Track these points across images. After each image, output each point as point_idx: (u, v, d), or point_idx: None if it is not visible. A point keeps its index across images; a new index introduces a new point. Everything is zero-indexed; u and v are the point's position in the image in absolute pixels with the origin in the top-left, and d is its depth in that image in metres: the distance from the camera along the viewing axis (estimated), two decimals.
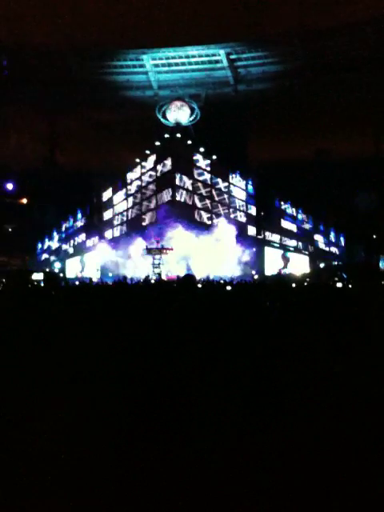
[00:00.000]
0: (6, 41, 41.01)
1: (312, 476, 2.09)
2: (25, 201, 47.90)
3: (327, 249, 68.02)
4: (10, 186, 44.02)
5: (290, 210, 59.75)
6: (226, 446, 2.27)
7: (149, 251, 38.64)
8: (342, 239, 68.94)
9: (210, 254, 39.57)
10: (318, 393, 2.50)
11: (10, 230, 51.80)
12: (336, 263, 53.72)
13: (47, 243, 67.04)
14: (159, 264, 37.96)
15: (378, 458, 2.19)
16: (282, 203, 57.68)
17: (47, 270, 45.11)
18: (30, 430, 2.33)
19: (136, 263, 40.95)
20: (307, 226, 64.05)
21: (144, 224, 46.01)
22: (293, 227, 60.06)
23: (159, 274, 36.23)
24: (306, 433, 2.30)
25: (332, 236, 69.08)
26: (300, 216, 62.03)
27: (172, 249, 38.22)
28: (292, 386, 2.55)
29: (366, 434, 2.32)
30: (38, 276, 28.17)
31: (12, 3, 38.62)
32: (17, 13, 39.38)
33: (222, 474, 2.12)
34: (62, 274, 41.86)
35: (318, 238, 66.61)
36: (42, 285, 22.67)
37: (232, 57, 48.79)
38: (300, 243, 60.53)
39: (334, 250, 68.95)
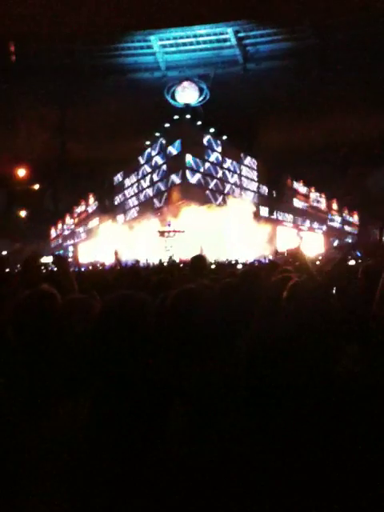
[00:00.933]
0: (11, 29, 40.88)
1: (312, 476, 2.09)
2: (37, 187, 48.15)
3: (341, 228, 67.47)
4: (21, 173, 44.23)
5: (303, 190, 59.28)
6: (226, 446, 2.26)
7: (161, 234, 38.66)
8: (355, 218, 68.31)
9: (222, 235, 39.50)
10: (318, 392, 2.44)
11: (23, 216, 52.15)
12: (349, 241, 53.35)
13: (60, 229, 67.53)
14: (171, 246, 38.00)
15: (378, 458, 2.18)
16: (294, 182, 57.22)
17: (58, 253, 45.41)
18: (29, 429, 2.34)
19: (149, 246, 41.05)
20: (320, 206, 63.55)
21: (156, 207, 46.00)
22: (305, 206, 59.65)
23: (171, 257, 36.27)
24: (307, 432, 2.28)
25: (346, 215, 68.48)
26: (313, 195, 61.50)
27: (183, 231, 38.19)
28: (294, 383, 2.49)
29: (367, 433, 2.29)
30: (47, 259, 28.34)
31: None
32: (23, 1, 39.20)
33: (222, 473, 2.13)
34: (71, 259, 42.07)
35: (332, 217, 66.09)
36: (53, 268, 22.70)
37: (240, 35, 48.14)
38: (314, 223, 60.17)
39: (348, 229, 68.39)
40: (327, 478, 2.10)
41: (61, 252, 52.37)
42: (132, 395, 2.07)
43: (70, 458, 2.17)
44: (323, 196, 63.13)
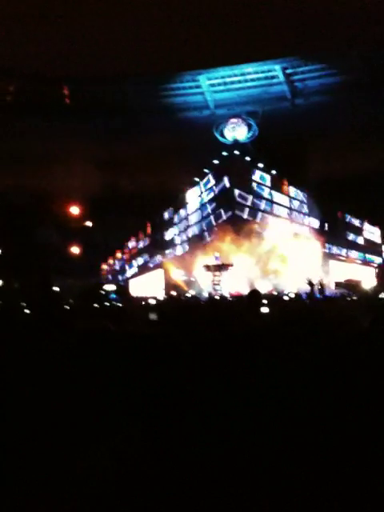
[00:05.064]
0: (63, 69, 43.01)
1: (312, 476, 2.05)
2: (89, 224, 49.50)
3: None
4: (75, 210, 45.71)
5: (355, 222, 58.13)
6: (226, 446, 2.23)
7: (208, 268, 38.65)
8: None
9: (272, 270, 39.12)
10: (319, 391, 2.42)
11: (75, 253, 53.55)
12: None
13: (111, 264, 68.87)
14: (219, 281, 37.88)
15: (378, 458, 2.13)
16: (346, 216, 56.26)
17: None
18: (28, 429, 2.32)
19: (199, 281, 41.13)
20: (375, 238, 62.01)
21: (205, 242, 46.21)
22: (359, 240, 58.36)
23: (217, 291, 36.16)
24: (307, 432, 2.24)
25: None
26: (366, 228, 60.17)
27: (232, 265, 38.08)
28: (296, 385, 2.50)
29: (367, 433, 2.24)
30: (109, 287, 28.89)
31: (64, 34, 40.41)
32: (75, 43, 41.22)
33: (221, 473, 2.09)
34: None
35: None
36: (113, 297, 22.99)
37: (288, 71, 48.72)
38: (367, 255, 58.62)
39: None
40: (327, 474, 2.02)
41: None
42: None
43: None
44: (377, 228, 61.69)
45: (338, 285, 31.32)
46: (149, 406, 2.37)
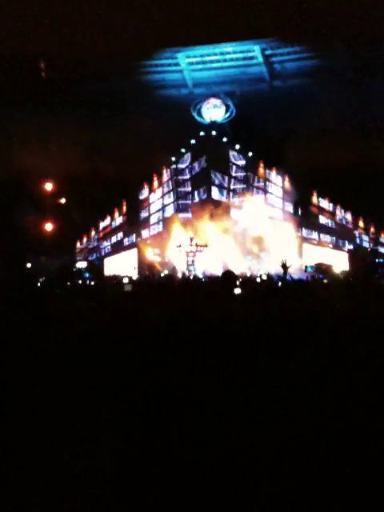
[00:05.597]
0: (38, 46, 41.88)
1: (312, 476, 2.09)
2: (63, 201, 48.76)
3: (368, 246, 66.49)
4: (49, 186, 44.91)
5: (328, 207, 58.77)
6: (226, 446, 2.26)
7: (182, 248, 38.64)
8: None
9: (246, 251, 39.36)
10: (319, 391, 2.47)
11: (49, 230, 52.78)
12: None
13: (85, 243, 68.26)
14: (193, 262, 37.94)
15: (378, 458, 2.18)
16: (320, 200, 56.80)
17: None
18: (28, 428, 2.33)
19: (172, 262, 41.11)
20: (346, 223, 62.86)
21: (180, 222, 46.13)
22: (332, 224, 59.09)
23: (191, 271, 36.24)
24: (307, 432, 2.28)
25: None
26: (338, 213, 60.91)
27: (206, 246, 38.15)
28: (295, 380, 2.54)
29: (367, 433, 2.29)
30: (81, 265, 28.64)
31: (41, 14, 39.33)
32: (52, 21, 40.14)
33: (221, 473, 2.13)
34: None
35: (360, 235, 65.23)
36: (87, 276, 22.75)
37: (267, 52, 48.39)
38: (340, 241, 59.47)
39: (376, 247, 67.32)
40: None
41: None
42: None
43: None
44: (349, 213, 62.49)
45: (307, 268, 31.68)
46: (146, 403, 2.39)
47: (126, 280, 21.76)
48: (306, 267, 31.55)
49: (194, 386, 2.45)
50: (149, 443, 2.14)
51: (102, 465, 2.05)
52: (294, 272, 29.89)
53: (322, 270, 27.40)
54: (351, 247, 60.90)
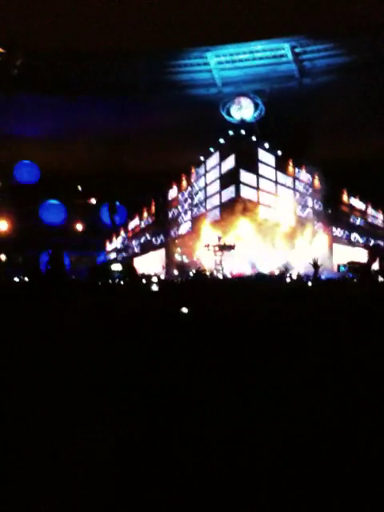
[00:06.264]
0: (72, 46, 42.44)
1: (312, 476, 2.06)
2: (94, 201, 49.31)
3: None
4: (79, 188, 45.55)
5: (359, 205, 57.86)
6: (226, 446, 2.24)
7: (210, 248, 38.62)
8: None
9: (276, 250, 39.11)
10: (319, 391, 2.44)
11: (80, 230, 53.51)
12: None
13: (115, 242, 68.80)
14: (221, 261, 37.87)
15: (378, 458, 2.14)
16: (351, 198, 55.98)
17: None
18: (28, 428, 2.36)
19: (200, 261, 41.14)
20: (378, 222, 61.76)
21: (209, 221, 46.10)
22: (362, 223, 58.15)
23: (219, 271, 36.22)
24: (307, 431, 2.26)
25: None
26: (370, 211, 59.91)
27: (234, 246, 38.03)
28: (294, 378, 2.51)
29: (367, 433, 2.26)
30: (116, 267, 28.98)
31: (71, 11, 39.87)
32: (83, 18, 40.63)
33: (221, 473, 2.11)
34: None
35: None
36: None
37: (296, 50, 48.00)
38: (371, 239, 58.46)
39: None
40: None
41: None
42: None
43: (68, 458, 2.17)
44: (380, 212, 61.40)
45: (340, 267, 31.36)
46: (148, 402, 2.39)
47: (155, 279, 21.96)
48: (339, 266, 31.19)
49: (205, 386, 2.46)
50: (149, 443, 2.12)
51: (101, 465, 2.05)
52: (325, 271, 29.63)
53: (355, 268, 27.08)
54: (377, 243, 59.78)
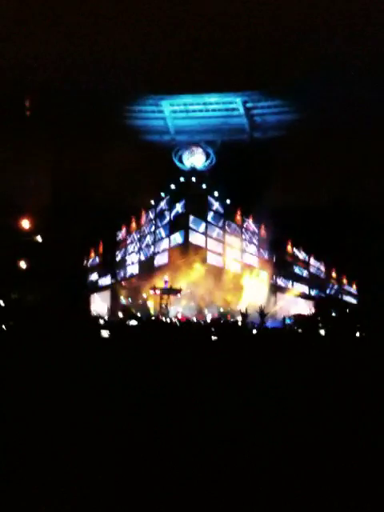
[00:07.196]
0: (25, 82, 42.46)
1: (312, 476, 2.10)
2: (39, 239, 48.36)
3: (340, 296, 67.19)
4: (25, 224, 44.61)
5: (302, 256, 59.64)
6: (226, 446, 2.28)
7: (156, 291, 38.58)
8: (354, 287, 68.26)
9: (220, 296, 39.47)
10: (318, 392, 2.53)
11: (24, 268, 52.10)
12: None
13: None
14: (166, 305, 37.84)
15: (378, 458, 2.20)
16: (295, 249, 57.69)
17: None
18: (30, 428, 2.33)
19: (147, 304, 40.94)
20: (319, 273, 63.67)
21: (156, 265, 46.17)
22: (305, 274, 59.80)
23: (164, 315, 36.08)
24: (306, 432, 2.31)
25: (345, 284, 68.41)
26: (313, 262, 61.80)
27: (180, 290, 38.16)
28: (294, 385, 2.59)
29: (367, 433, 2.33)
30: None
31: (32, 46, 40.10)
32: (40, 54, 40.92)
33: (221, 473, 2.14)
34: None
35: (332, 285, 65.98)
36: None
37: (248, 105, 50.08)
38: (312, 290, 60.08)
39: (346, 298, 68.12)
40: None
41: None
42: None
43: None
44: (322, 264, 63.42)
45: (286, 319, 32.19)
46: (148, 405, 2.39)
47: (101, 321, 21.55)
48: (285, 318, 31.93)
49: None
50: (149, 443, 2.14)
51: (101, 464, 2.05)
52: (269, 319, 30.09)
53: (300, 322, 27.74)
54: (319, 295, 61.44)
